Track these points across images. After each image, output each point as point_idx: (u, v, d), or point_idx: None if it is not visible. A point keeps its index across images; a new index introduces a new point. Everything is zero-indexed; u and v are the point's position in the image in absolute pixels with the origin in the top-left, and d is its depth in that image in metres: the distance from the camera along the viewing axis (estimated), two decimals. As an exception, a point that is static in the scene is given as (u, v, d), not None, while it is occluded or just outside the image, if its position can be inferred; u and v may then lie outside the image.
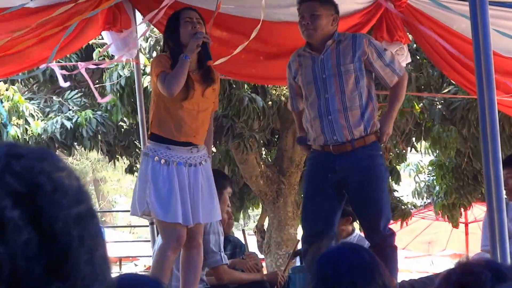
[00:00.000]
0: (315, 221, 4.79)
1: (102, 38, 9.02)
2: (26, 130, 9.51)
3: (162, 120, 4.74)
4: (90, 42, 9.00)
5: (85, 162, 26.87)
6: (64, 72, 6.77)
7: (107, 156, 10.49)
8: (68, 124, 9.51)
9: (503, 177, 5.92)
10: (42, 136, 9.57)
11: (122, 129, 9.98)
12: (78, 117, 9.53)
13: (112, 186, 30.02)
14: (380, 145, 4.80)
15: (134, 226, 20.41)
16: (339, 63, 4.76)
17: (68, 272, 0.89)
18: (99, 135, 9.64)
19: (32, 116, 9.56)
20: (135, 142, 10.13)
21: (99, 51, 8.75)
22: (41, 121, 9.69)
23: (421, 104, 9.10)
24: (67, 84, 6.60)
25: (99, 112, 9.68)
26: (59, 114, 9.86)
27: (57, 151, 9.82)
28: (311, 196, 4.90)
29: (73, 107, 9.96)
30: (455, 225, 11.70)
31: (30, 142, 9.51)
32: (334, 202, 4.78)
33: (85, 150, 10.28)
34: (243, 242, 6.37)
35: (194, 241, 4.79)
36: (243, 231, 6.25)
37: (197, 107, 4.77)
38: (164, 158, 4.67)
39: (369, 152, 4.73)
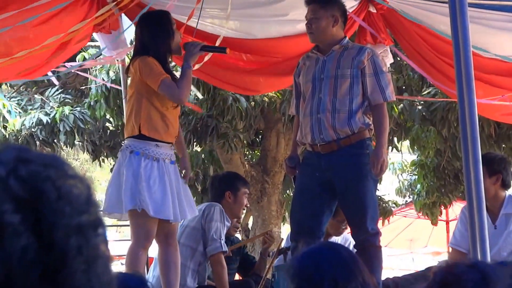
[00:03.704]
0: (302, 218, 4.84)
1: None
2: (5, 127, 9.45)
3: (153, 123, 4.71)
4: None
5: (73, 163, 26.74)
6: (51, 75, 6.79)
7: (92, 156, 10.48)
8: (45, 119, 9.44)
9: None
10: (21, 133, 9.52)
11: (108, 130, 9.97)
12: (56, 112, 9.46)
13: (99, 186, 29.95)
14: (367, 145, 4.81)
15: (121, 226, 20.28)
16: (338, 66, 4.83)
17: (63, 280, 0.89)
18: (76, 130, 9.53)
19: (10, 112, 9.50)
20: (121, 143, 10.06)
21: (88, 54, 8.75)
22: (20, 117, 9.64)
23: (401, 105, 9.16)
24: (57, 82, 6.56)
25: (78, 108, 9.61)
26: (41, 111, 9.81)
27: (39, 148, 9.78)
28: (299, 194, 4.93)
29: (54, 104, 9.92)
30: (434, 223, 11.80)
31: (9, 138, 9.48)
32: (322, 201, 4.81)
33: (64, 146, 10.17)
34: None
35: (170, 238, 4.80)
36: None
37: (178, 110, 4.88)
38: (155, 156, 4.66)
39: (355, 151, 4.77)
